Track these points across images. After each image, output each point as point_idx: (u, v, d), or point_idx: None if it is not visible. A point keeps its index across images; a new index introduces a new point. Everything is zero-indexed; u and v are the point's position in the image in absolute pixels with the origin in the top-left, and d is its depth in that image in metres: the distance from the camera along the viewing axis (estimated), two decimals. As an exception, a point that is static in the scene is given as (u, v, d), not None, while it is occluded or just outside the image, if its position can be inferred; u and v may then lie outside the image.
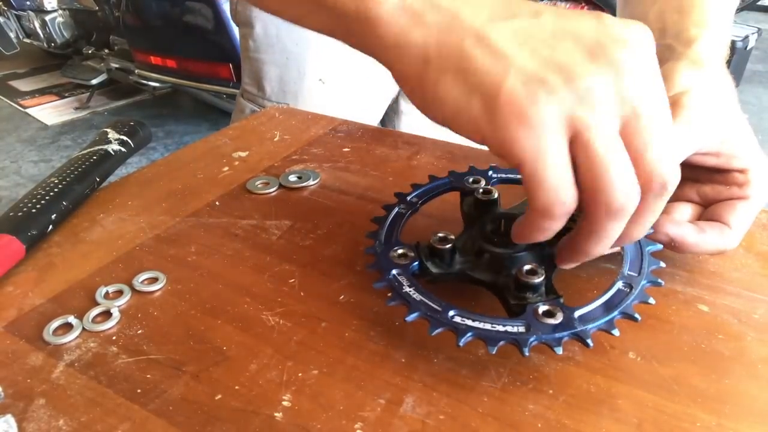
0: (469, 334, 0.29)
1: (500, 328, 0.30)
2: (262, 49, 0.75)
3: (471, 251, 0.35)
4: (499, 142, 0.26)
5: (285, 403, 0.30)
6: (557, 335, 0.29)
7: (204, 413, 0.29)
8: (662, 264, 0.34)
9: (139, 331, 0.34)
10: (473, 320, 0.30)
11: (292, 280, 0.38)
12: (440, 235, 0.34)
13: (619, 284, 0.32)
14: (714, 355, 0.32)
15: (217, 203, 0.48)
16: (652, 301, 0.31)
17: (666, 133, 0.26)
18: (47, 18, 3.17)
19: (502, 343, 0.29)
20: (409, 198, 0.40)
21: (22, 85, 3.55)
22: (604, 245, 0.28)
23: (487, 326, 0.30)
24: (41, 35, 3.24)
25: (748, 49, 2.98)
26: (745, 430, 0.28)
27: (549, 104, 0.24)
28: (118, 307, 0.36)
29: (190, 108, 3.16)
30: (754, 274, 0.39)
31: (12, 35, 3.24)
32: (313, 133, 0.59)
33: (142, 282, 0.38)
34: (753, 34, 2.96)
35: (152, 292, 0.38)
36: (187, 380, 0.31)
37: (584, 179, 0.26)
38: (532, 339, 0.29)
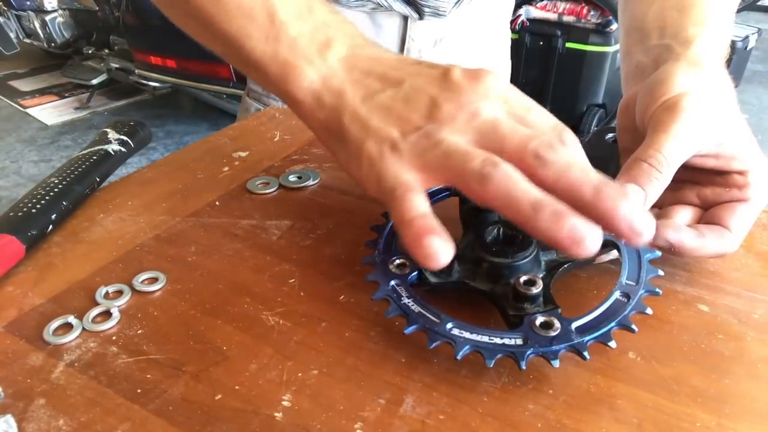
0: (467, 347, 0.30)
1: (498, 340, 0.30)
2: None
3: (470, 260, 0.35)
4: (371, 192, 0.32)
5: (285, 403, 0.30)
6: (554, 348, 0.29)
7: (204, 413, 0.29)
8: (660, 272, 0.33)
9: (139, 331, 0.34)
10: (471, 332, 0.30)
11: (292, 280, 0.38)
12: None
13: (617, 294, 0.32)
14: (714, 355, 0.32)
15: (217, 203, 0.48)
16: (649, 311, 0.31)
17: (511, 125, 0.30)
18: (47, 18, 3.17)
19: (499, 356, 0.29)
20: None
21: (22, 85, 3.55)
22: (519, 205, 0.27)
23: (485, 339, 0.30)
24: (41, 35, 3.24)
25: (748, 49, 2.98)
26: (744, 430, 0.28)
27: (393, 155, 0.31)
28: (118, 307, 0.36)
29: (190, 108, 3.16)
30: (754, 274, 0.39)
31: (12, 35, 3.24)
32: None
33: (142, 282, 0.38)
34: (753, 34, 2.97)
35: (152, 292, 0.38)
36: (187, 380, 0.31)
37: (456, 185, 0.30)
38: (529, 352, 0.29)
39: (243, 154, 0.55)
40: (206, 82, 2.65)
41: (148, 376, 0.31)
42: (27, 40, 3.39)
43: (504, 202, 0.27)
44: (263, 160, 0.54)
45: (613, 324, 0.30)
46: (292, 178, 0.50)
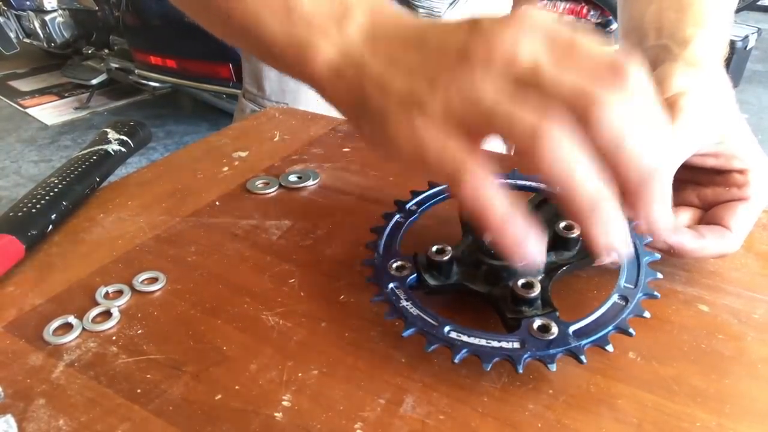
0: (464, 350, 0.29)
1: (495, 343, 0.30)
2: None
3: (469, 262, 0.35)
4: (410, 166, 0.28)
5: (285, 403, 0.30)
6: (551, 351, 0.29)
7: (204, 413, 0.29)
8: (659, 275, 0.33)
9: (139, 331, 0.34)
10: (468, 336, 0.30)
11: (292, 280, 0.38)
12: (438, 246, 0.34)
13: (615, 297, 0.32)
14: (714, 354, 0.32)
15: (217, 203, 0.48)
16: (647, 314, 0.31)
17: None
18: (47, 18, 3.16)
19: (496, 359, 0.29)
20: (408, 206, 0.40)
21: (22, 85, 3.55)
22: (576, 196, 0.25)
23: (482, 342, 0.30)
24: (41, 35, 3.24)
25: (747, 48, 2.98)
26: (745, 429, 0.28)
27: (421, 112, 0.27)
28: (118, 307, 0.36)
29: (190, 108, 3.16)
30: (754, 274, 0.39)
31: (12, 35, 3.24)
32: (313, 133, 0.59)
33: (142, 282, 0.38)
34: (753, 33, 2.96)
35: (152, 292, 0.38)
36: (187, 380, 0.31)
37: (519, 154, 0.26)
38: (526, 356, 0.29)
39: (243, 154, 0.55)
40: (206, 82, 2.64)
41: (148, 376, 0.31)
42: (27, 40, 3.38)
43: (560, 181, 0.24)
44: (263, 160, 0.54)
45: (610, 328, 0.30)
46: (292, 178, 0.50)
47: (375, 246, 0.37)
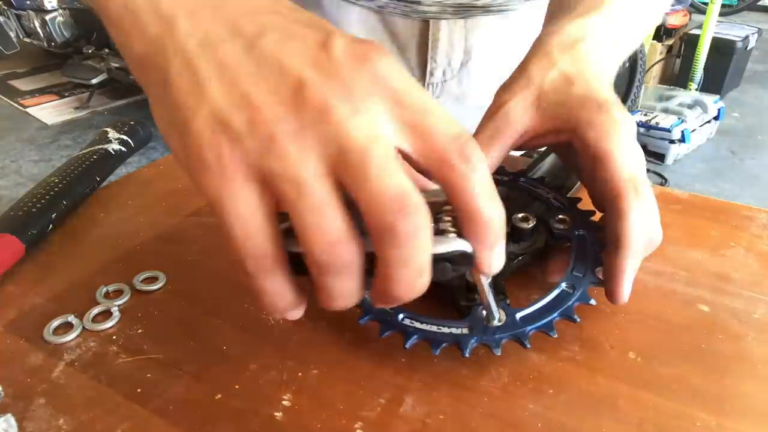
0: (415, 336, 0.30)
1: (445, 330, 0.31)
2: None
3: None
4: (194, 182, 0.24)
5: (285, 403, 0.30)
6: (497, 336, 0.30)
7: (204, 413, 0.29)
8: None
9: (140, 331, 0.34)
10: (421, 322, 0.31)
11: (293, 280, 0.38)
12: None
13: (563, 285, 0.32)
14: (714, 354, 0.32)
15: (217, 203, 0.47)
16: (593, 302, 0.32)
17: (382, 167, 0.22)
18: (47, 17, 3.17)
19: (444, 345, 0.30)
20: None
21: (22, 84, 3.55)
22: (339, 301, 0.24)
23: (433, 328, 0.31)
24: (41, 35, 3.24)
25: (748, 49, 2.98)
26: (745, 429, 0.28)
27: (230, 151, 0.22)
28: (119, 306, 0.36)
29: (190, 107, 3.15)
30: (755, 274, 0.39)
31: (12, 35, 3.24)
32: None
33: (142, 281, 0.38)
34: (753, 34, 2.97)
35: (152, 292, 0.38)
36: (188, 380, 0.31)
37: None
38: (472, 341, 0.30)
39: (243, 154, 0.55)
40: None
41: (149, 375, 0.31)
42: (27, 40, 3.38)
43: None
44: (263, 159, 0.54)
45: (555, 314, 0.31)
46: (293, 177, 0.50)
47: None
